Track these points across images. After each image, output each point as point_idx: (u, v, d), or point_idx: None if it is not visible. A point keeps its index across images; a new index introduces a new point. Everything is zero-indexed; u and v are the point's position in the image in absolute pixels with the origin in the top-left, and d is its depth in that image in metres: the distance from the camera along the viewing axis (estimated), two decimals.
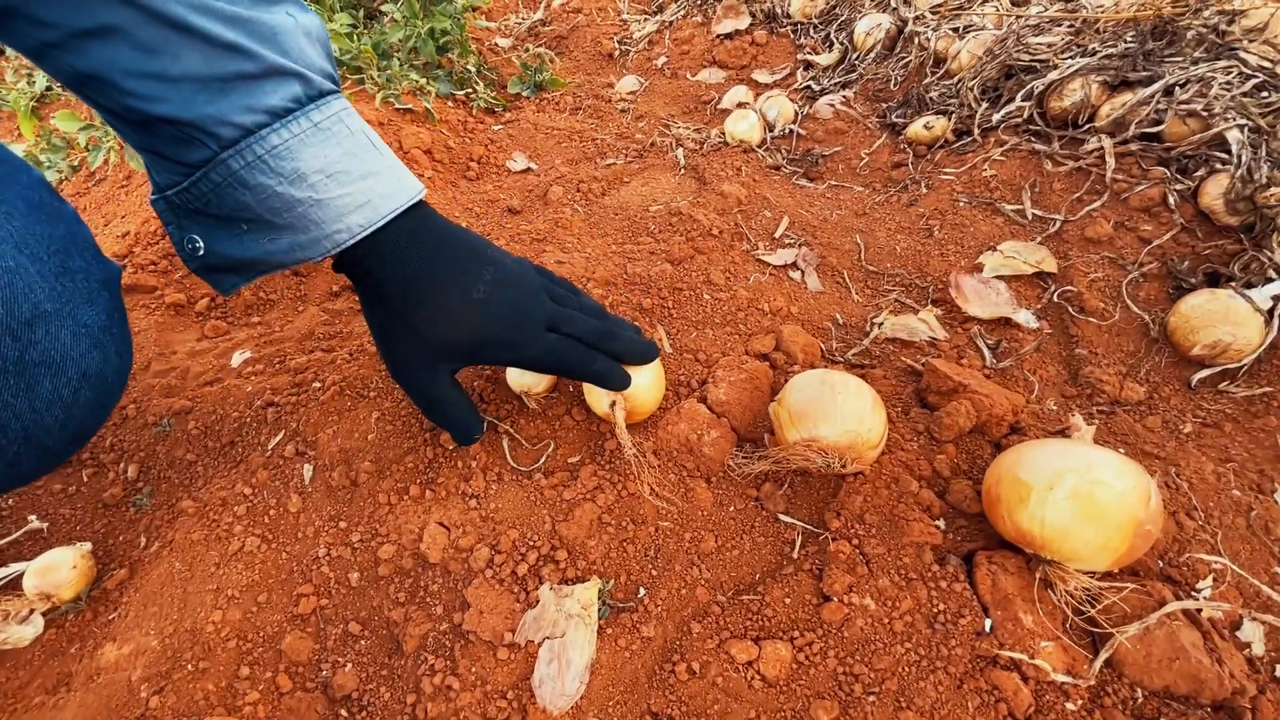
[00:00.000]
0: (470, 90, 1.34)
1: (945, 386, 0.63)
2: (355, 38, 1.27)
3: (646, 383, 0.60)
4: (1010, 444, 0.60)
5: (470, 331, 0.52)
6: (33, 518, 0.66)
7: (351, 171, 0.46)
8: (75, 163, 1.30)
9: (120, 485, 0.69)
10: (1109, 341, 0.73)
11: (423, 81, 1.24)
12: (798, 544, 0.55)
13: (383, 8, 1.38)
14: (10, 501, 0.70)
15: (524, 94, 1.41)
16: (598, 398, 0.60)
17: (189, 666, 0.52)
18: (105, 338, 0.42)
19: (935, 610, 0.49)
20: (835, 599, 0.49)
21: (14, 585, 0.61)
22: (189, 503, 0.64)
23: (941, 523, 0.55)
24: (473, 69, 1.40)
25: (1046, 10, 1.02)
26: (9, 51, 1.57)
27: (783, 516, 0.57)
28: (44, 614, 0.60)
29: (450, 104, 1.32)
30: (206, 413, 0.72)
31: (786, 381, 0.60)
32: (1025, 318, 0.74)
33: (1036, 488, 0.47)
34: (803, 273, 0.87)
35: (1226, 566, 0.50)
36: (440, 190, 1.08)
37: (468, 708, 0.47)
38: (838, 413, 0.53)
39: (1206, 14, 0.85)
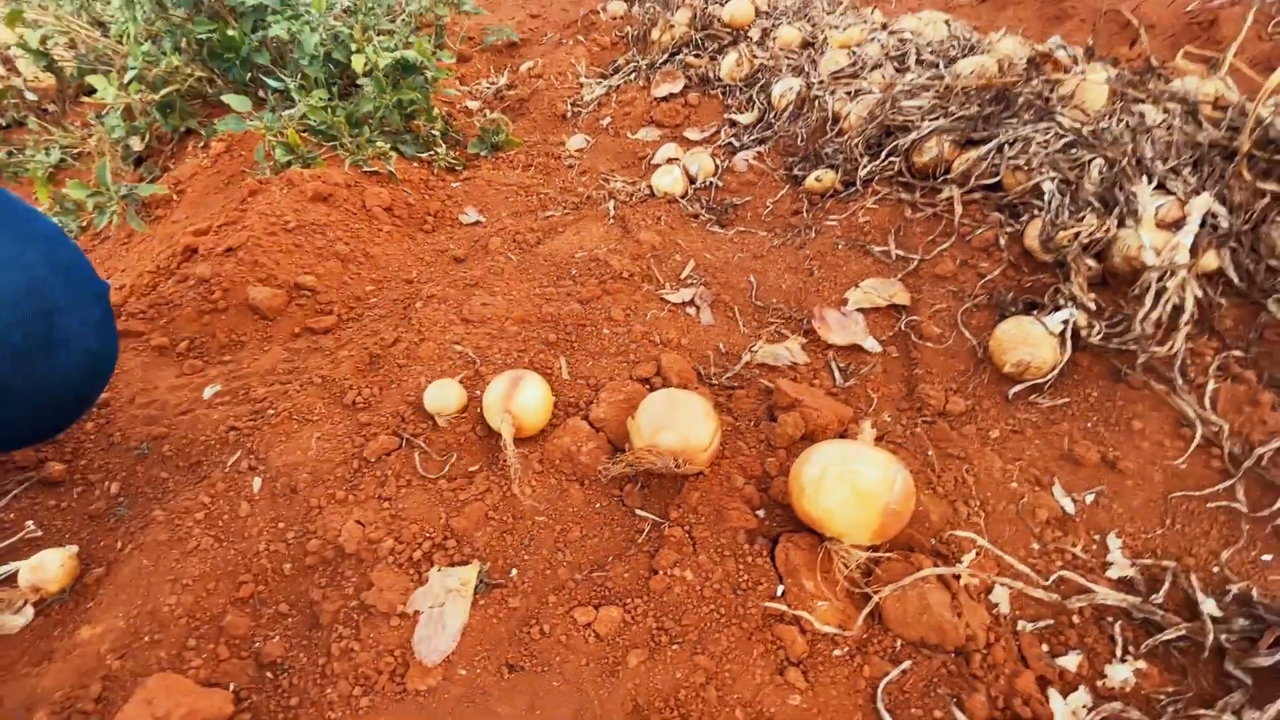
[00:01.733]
0: (434, 152, 1.51)
1: (785, 402, 0.76)
2: (331, 110, 1.45)
3: (533, 404, 0.73)
4: None
5: None
6: (30, 524, 0.78)
7: None
8: (84, 224, 1.47)
9: (104, 499, 0.82)
10: (944, 363, 0.86)
11: (386, 147, 1.40)
12: (645, 532, 0.67)
13: (359, 82, 1.56)
14: (11, 515, 0.83)
15: (483, 154, 1.58)
16: (491, 414, 0.73)
17: (146, 639, 0.64)
18: (101, 327, 0.64)
19: (740, 580, 0.60)
20: (661, 572, 0.61)
21: (9, 581, 0.73)
22: (159, 512, 0.77)
23: (762, 512, 0.67)
24: (438, 133, 1.57)
25: (919, 78, 1.17)
26: (31, 123, 1.77)
27: (638, 511, 0.69)
28: (35, 605, 0.72)
29: (415, 164, 1.48)
30: (179, 437, 0.85)
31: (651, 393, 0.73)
32: (871, 344, 0.87)
33: (812, 478, 0.59)
34: (698, 308, 1.00)
35: (975, 542, 0.62)
36: (396, 242, 1.23)
37: (365, 664, 0.59)
38: (675, 423, 0.66)
39: (1034, 83, 1.00)
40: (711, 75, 1.63)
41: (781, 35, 1.57)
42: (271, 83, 1.56)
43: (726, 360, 0.90)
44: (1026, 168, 0.93)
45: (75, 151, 1.72)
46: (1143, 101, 0.94)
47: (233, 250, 1.08)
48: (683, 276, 1.07)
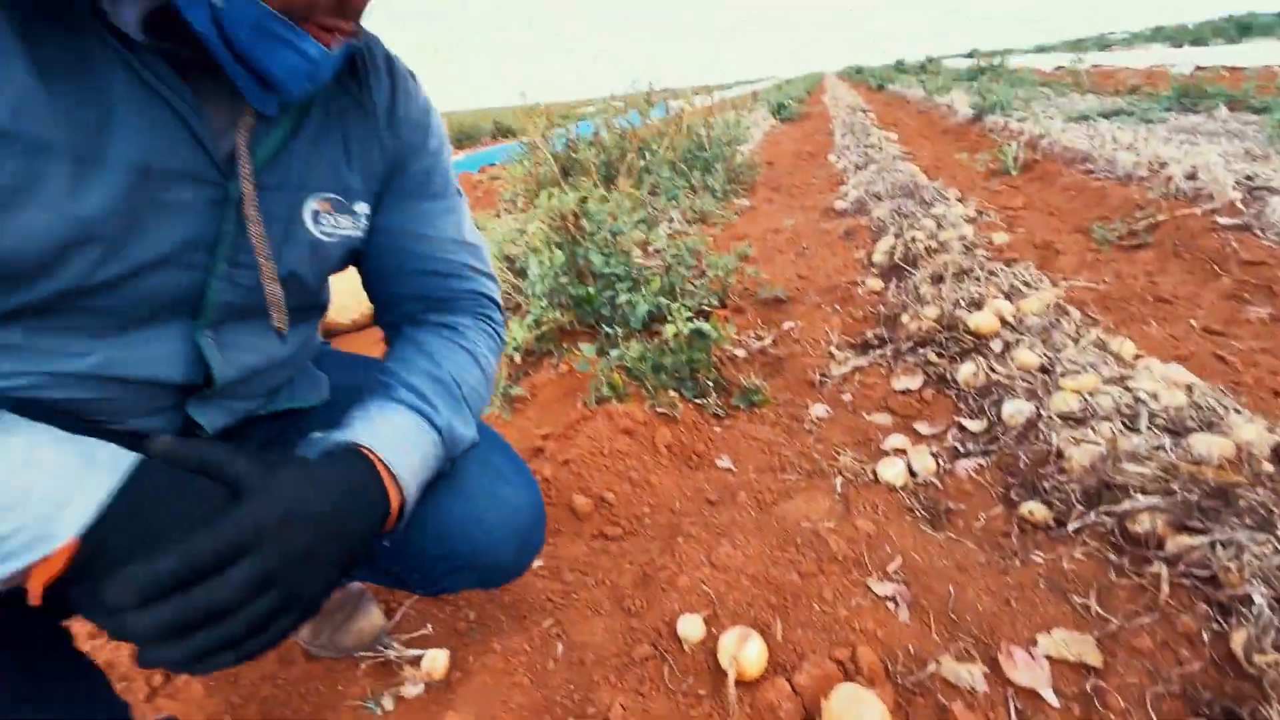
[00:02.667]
0: (705, 400, 1.99)
1: None
2: (643, 359, 2.03)
3: (753, 658, 1.02)
4: None
5: None
6: (428, 625, 1.26)
7: None
8: None
9: (465, 622, 1.28)
10: None
11: (675, 396, 1.92)
12: None
13: (665, 333, 2.16)
14: (413, 613, 1.33)
15: (742, 407, 2.02)
16: (723, 656, 1.03)
17: None
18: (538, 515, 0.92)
19: None
20: None
21: (415, 661, 1.19)
22: (497, 644, 1.19)
23: None
24: (711, 383, 2.06)
25: (1146, 445, 1.31)
26: None
27: None
28: (424, 684, 1.16)
29: (690, 406, 1.97)
30: (515, 592, 1.30)
31: (843, 682, 0.97)
32: (1051, 696, 0.99)
33: None
34: (898, 605, 1.21)
35: None
36: (669, 474, 1.66)
37: None
38: None
39: (1260, 492, 1.09)
40: (949, 377, 1.90)
41: (1019, 357, 1.80)
42: (607, 329, 2.23)
43: (914, 664, 1.09)
44: (1241, 573, 1.02)
45: None
46: None
47: (567, 462, 1.61)
48: (889, 570, 1.29)
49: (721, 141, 6.41)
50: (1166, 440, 1.31)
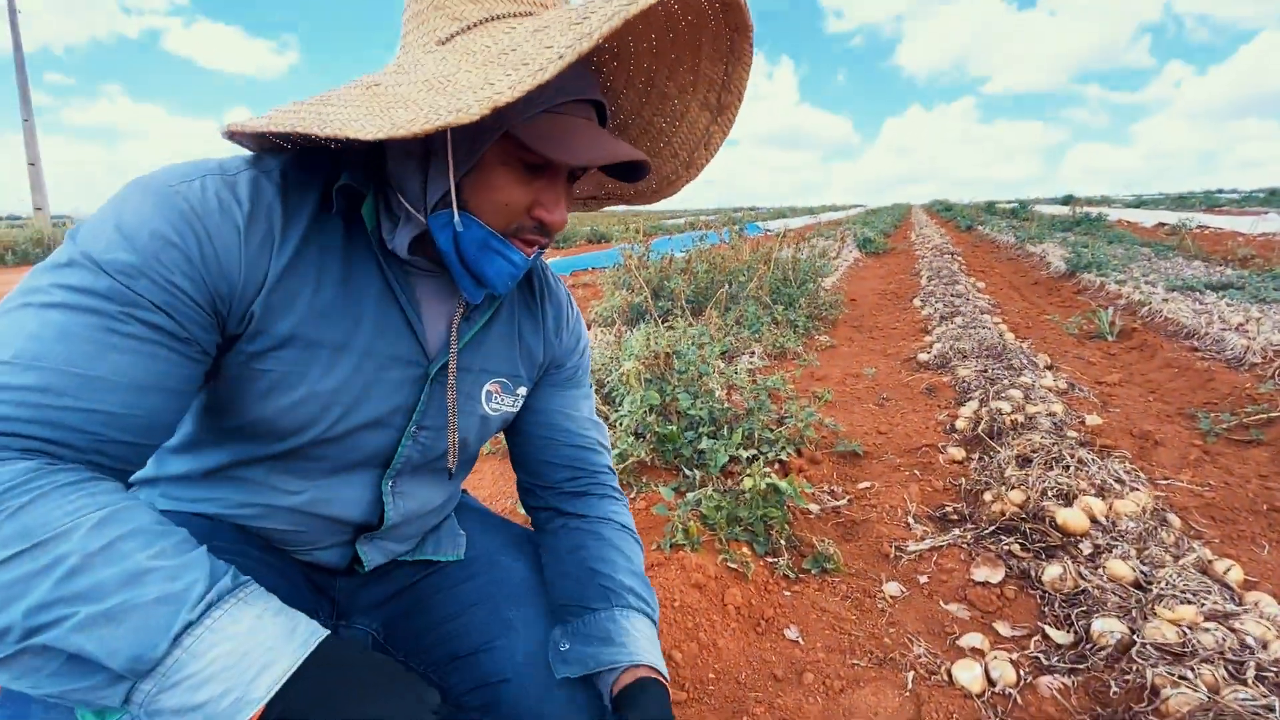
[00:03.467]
0: (777, 559, 2.01)
1: None
2: (719, 508, 2.09)
3: None
4: None
5: None
6: None
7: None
8: None
9: None
10: None
11: (747, 552, 1.95)
12: None
13: (741, 484, 2.22)
14: None
15: (813, 571, 2.02)
16: None
17: None
18: None
19: None
20: None
21: None
22: None
23: None
24: (783, 540, 2.08)
25: (1254, 700, 1.23)
26: None
27: None
28: None
29: (761, 564, 1.99)
30: None
31: None
32: None
33: None
34: None
35: None
36: (736, 639, 1.67)
37: None
38: None
39: None
40: (1034, 574, 1.85)
41: (1112, 567, 1.74)
42: (687, 472, 2.32)
43: None
44: None
45: None
46: None
47: None
48: None
49: (807, 275, 6.65)
50: (1277, 702, 1.23)
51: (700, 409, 2.54)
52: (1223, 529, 2.15)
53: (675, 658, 1.56)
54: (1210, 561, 1.77)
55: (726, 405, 2.87)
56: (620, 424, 2.51)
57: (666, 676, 0.82)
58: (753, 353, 4.41)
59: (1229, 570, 1.73)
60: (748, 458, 2.35)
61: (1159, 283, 6.43)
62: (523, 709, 0.80)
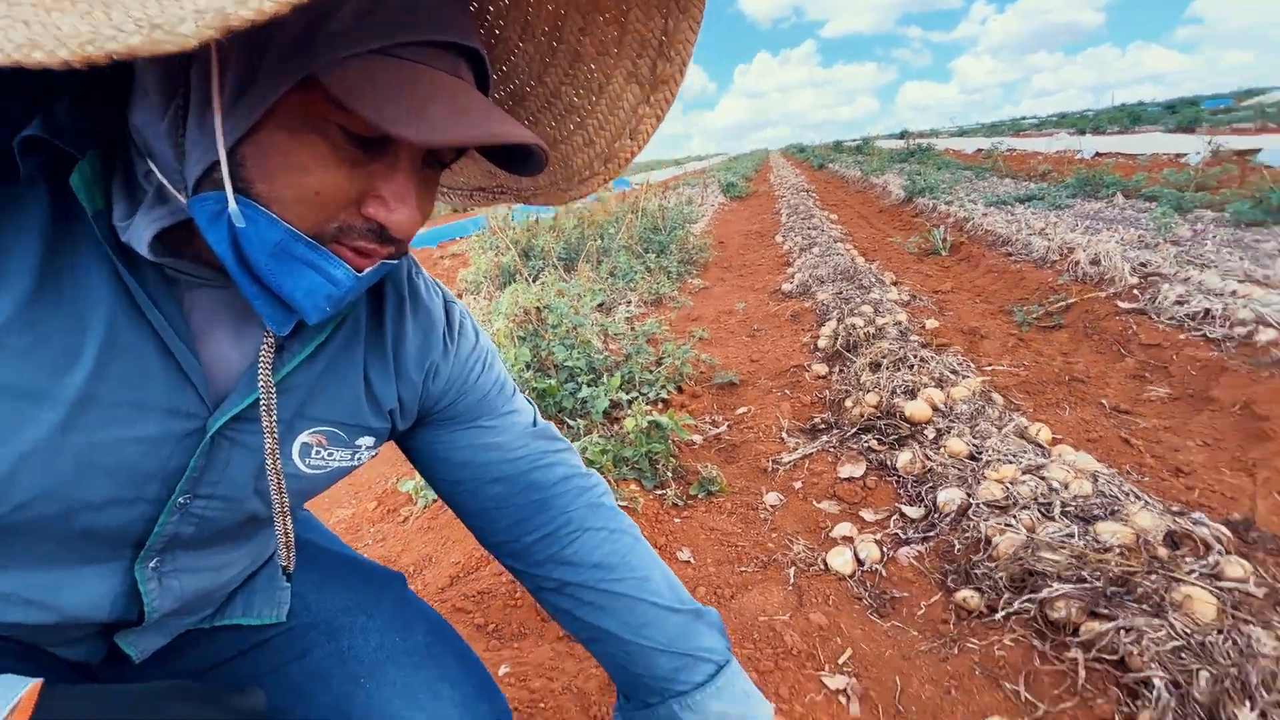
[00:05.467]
0: (665, 491, 2.08)
1: None
2: (604, 452, 2.11)
3: None
4: None
5: None
6: None
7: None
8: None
9: None
10: None
11: (636, 489, 2.00)
12: None
13: (625, 426, 2.26)
14: None
15: (700, 496, 2.11)
16: None
17: None
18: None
19: None
20: None
21: None
22: None
23: None
24: (670, 472, 2.15)
25: (1059, 532, 1.46)
26: None
27: None
28: None
29: (651, 497, 2.05)
30: None
31: None
32: None
33: None
34: (849, 698, 1.28)
35: None
36: None
37: None
38: None
39: (1154, 578, 1.24)
40: (889, 463, 2.05)
41: (950, 445, 1.96)
42: (571, 422, 2.32)
43: None
44: (1142, 656, 1.14)
45: None
46: (1253, 624, 1.12)
47: None
48: (840, 662, 1.37)
49: (676, 222, 6.77)
50: (1077, 528, 1.46)
51: (577, 359, 2.53)
52: (1035, 400, 2.50)
53: None
54: (1026, 428, 2.06)
55: (605, 354, 2.88)
56: None
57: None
58: (629, 302, 4.45)
59: (1039, 432, 2.01)
60: (628, 400, 2.38)
61: (979, 201, 7.20)
62: None
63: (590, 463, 2.09)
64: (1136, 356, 2.90)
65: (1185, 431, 2.32)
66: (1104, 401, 2.56)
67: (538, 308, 2.71)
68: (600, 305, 4.24)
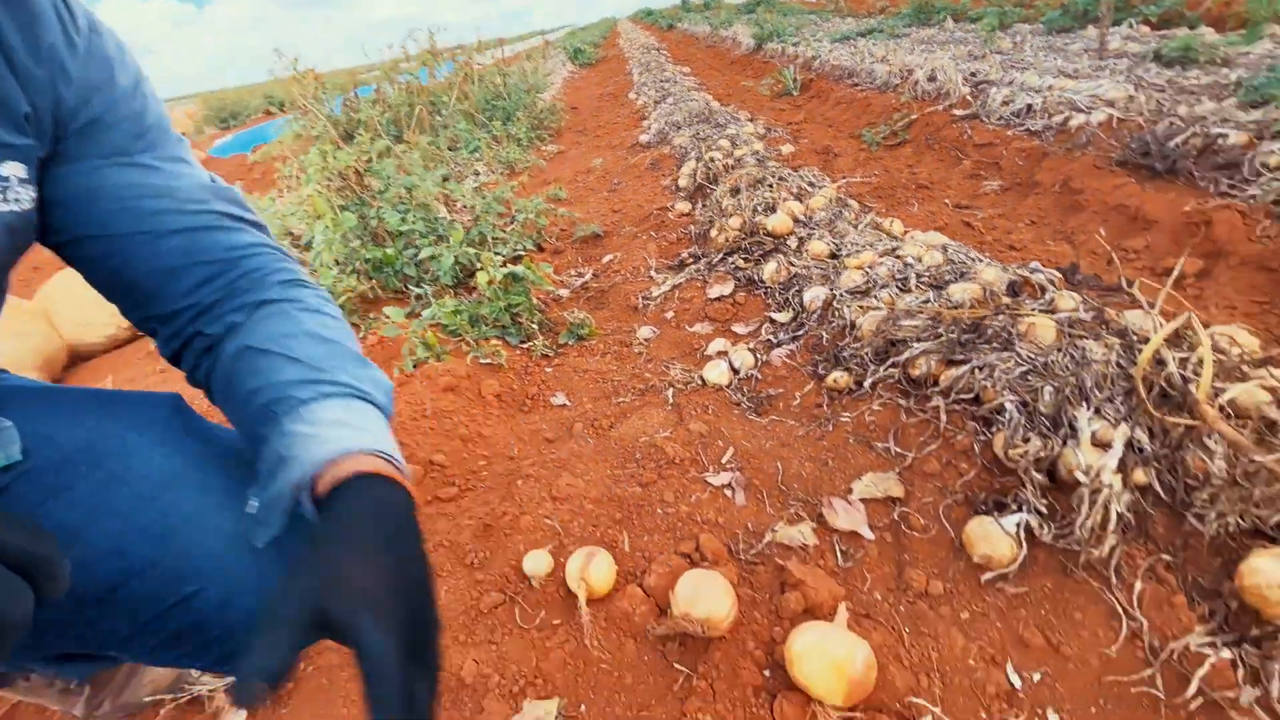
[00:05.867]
0: (532, 343, 1.92)
1: (792, 581, 0.99)
2: (458, 313, 1.90)
3: (601, 574, 1.00)
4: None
5: None
6: None
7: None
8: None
9: None
10: (928, 550, 1.07)
11: (498, 343, 1.82)
12: (680, 681, 0.90)
13: (478, 283, 2.03)
14: None
15: (570, 342, 1.98)
16: (571, 580, 1.00)
17: None
18: None
19: None
20: (687, 717, 0.83)
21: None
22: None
23: (768, 672, 0.88)
24: (536, 325, 1.99)
25: (915, 301, 1.47)
26: None
27: (675, 664, 0.92)
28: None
29: (517, 351, 1.89)
30: None
31: (688, 570, 0.98)
32: (867, 531, 1.10)
33: (797, 651, 0.82)
34: (734, 491, 1.26)
35: (930, 709, 0.81)
36: (503, 423, 1.58)
37: None
38: (701, 598, 0.91)
39: (1000, 319, 1.27)
40: (756, 278, 2.00)
41: (812, 247, 1.93)
42: (415, 290, 2.05)
43: (753, 538, 1.15)
44: (994, 388, 1.18)
45: None
46: (1087, 338, 1.18)
47: None
48: (723, 461, 1.34)
49: (521, 90, 6.16)
50: (931, 294, 1.48)
51: (414, 222, 2.21)
52: (886, 202, 2.55)
53: (439, 460, 1.42)
54: (879, 222, 2.07)
55: (451, 218, 2.57)
56: (319, 261, 2.10)
57: (401, 466, 0.57)
58: (478, 173, 4.02)
59: (892, 224, 2.03)
60: (483, 258, 2.13)
61: (825, 40, 7.12)
62: (231, 614, 0.60)
63: (444, 327, 1.87)
64: (972, 158, 3.02)
65: (1015, 215, 2.46)
66: (947, 200, 2.66)
67: (357, 170, 2.31)
68: (445, 180, 3.80)
